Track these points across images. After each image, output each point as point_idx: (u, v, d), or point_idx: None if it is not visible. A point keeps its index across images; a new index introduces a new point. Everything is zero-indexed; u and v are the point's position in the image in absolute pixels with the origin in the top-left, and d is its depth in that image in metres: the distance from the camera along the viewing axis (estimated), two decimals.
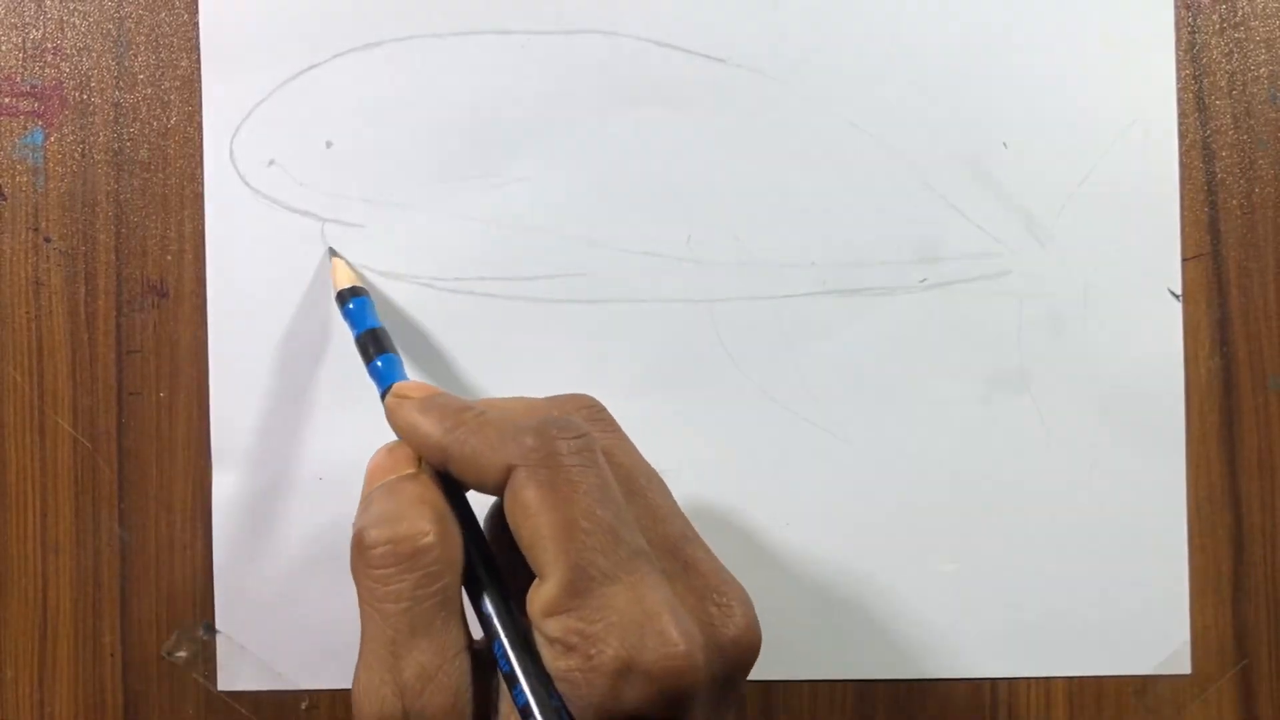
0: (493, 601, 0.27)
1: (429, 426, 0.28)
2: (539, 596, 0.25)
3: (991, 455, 0.36)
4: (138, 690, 0.37)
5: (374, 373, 0.32)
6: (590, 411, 0.29)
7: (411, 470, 0.29)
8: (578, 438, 0.27)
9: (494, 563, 0.28)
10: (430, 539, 0.27)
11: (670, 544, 0.27)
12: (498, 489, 0.27)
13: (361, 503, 0.29)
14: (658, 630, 0.25)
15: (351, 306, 0.34)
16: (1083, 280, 0.36)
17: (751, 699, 0.36)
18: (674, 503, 0.28)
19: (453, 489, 0.28)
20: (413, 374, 0.36)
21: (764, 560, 0.36)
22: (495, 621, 0.27)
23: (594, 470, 0.26)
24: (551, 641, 0.25)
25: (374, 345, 0.33)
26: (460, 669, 0.26)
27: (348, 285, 0.35)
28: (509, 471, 0.26)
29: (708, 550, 0.28)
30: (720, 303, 0.36)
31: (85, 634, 0.37)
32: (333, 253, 0.36)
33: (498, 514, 0.29)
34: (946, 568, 0.36)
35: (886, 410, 0.36)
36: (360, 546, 0.27)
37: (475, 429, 0.27)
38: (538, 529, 0.25)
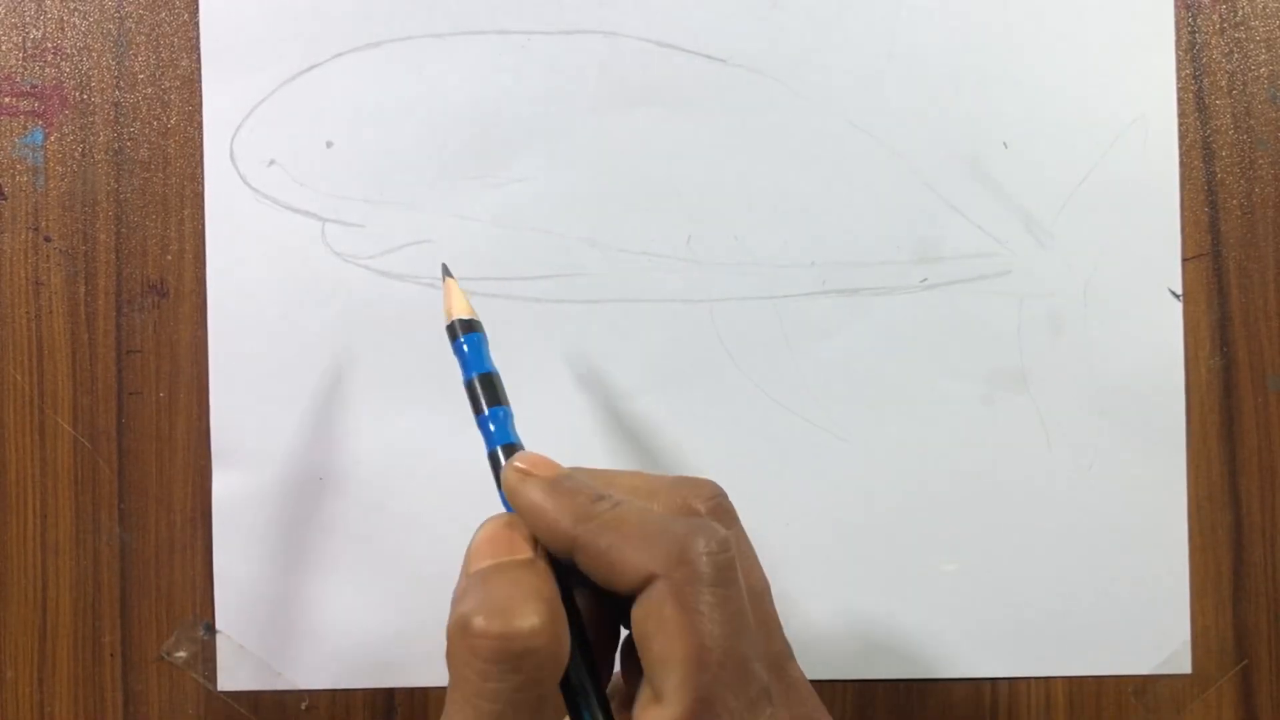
0: (595, 715, 0.25)
1: (558, 513, 0.26)
2: (652, 717, 0.24)
3: (991, 455, 0.36)
4: (137, 690, 0.37)
5: (483, 425, 0.29)
6: (716, 504, 0.27)
7: (528, 555, 0.26)
8: (723, 554, 0.25)
9: (596, 670, 0.26)
10: (542, 641, 0.24)
11: (778, 663, 0.26)
12: (630, 592, 0.25)
13: (466, 579, 0.27)
14: None
15: (465, 344, 0.30)
16: (1083, 280, 0.36)
17: None
18: (777, 615, 0.27)
19: (561, 581, 0.26)
20: (414, 373, 0.36)
21: (764, 560, 0.36)
22: None
23: (735, 594, 0.25)
24: None
25: (487, 394, 0.30)
26: None
27: (463, 316, 0.31)
28: (649, 579, 0.24)
29: (801, 672, 0.27)
30: (720, 303, 0.36)
31: (85, 634, 0.37)
32: (446, 272, 0.32)
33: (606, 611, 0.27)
34: (946, 568, 0.36)
35: (886, 410, 0.36)
36: (465, 634, 0.24)
37: (612, 524, 0.25)
38: (670, 649, 0.24)
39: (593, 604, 0.27)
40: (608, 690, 0.26)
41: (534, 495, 0.27)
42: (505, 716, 0.24)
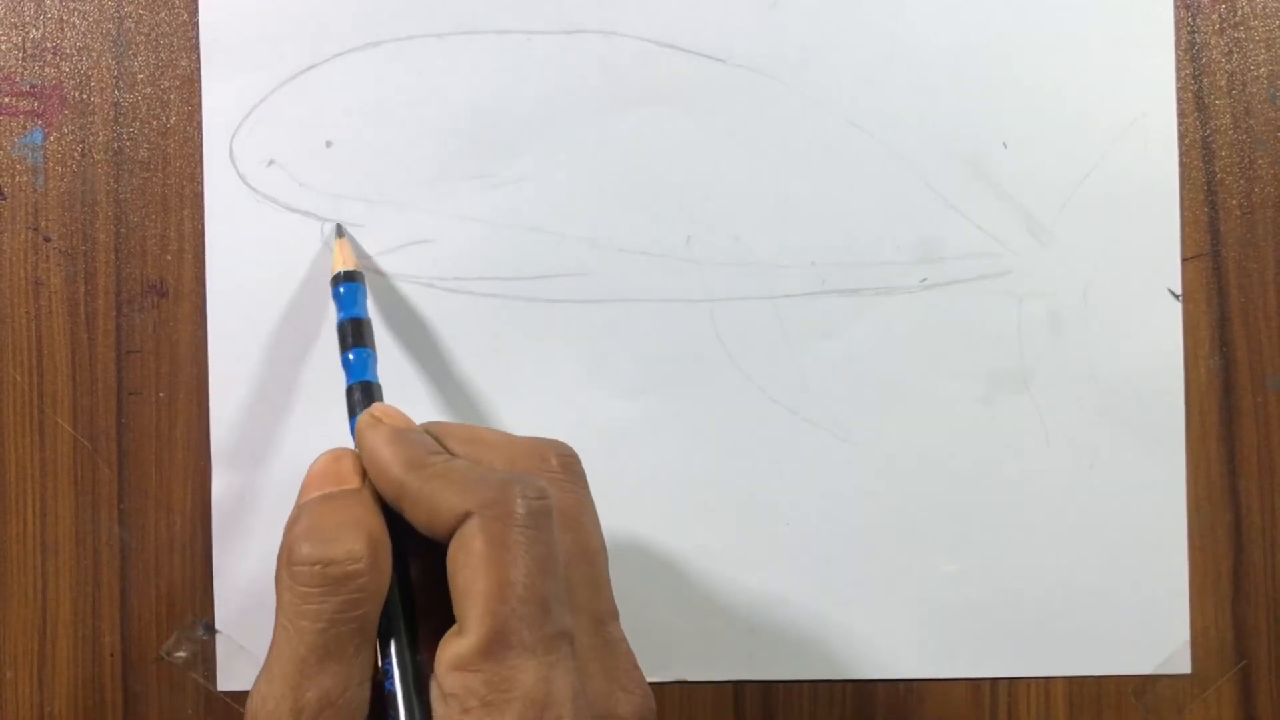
0: (401, 642, 0.27)
1: (393, 460, 0.27)
2: (452, 647, 0.25)
3: (991, 455, 0.36)
4: (137, 690, 0.37)
5: (345, 364, 0.32)
6: (563, 460, 0.29)
7: (355, 485, 0.28)
8: (539, 499, 0.26)
9: (413, 600, 0.27)
10: (361, 565, 0.26)
11: (600, 617, 0.27)
12: (446, 534, 0.26)
13: (297, 508, 0.28)
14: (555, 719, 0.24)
15: (342, 290, 0.34)
16: (1083, 280, 0.36)
17: (751, 699, 0.36)
18: (609, 577, 0.28)
19: (390, 514, 0.28)
20: (414, 373, 0.36)
21: (764, 560, 0.36)
22: (395, 662, 0.26)
23: (545, 538, 0.26)
24: (448, 696, 0.25)
25: (353, 336, 0.32)
26: (361, 699, 0.26)
27: (344, 268, 0.34)
28: (464, 518, 0.26)
29: (623, 634, 0.28)
30: (720, 303, 0.36)
31: (85, 634, 0.36)
32: (340, 231, 0.35)
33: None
34: (946, 568, 0.36)
35: (886, 410, 0.36)
36: (289, 559, 0.26)
37: (440, 474, 0.27)
38: (473, 581, 0.25)
39: (425, 564, 0.28)
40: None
41: (376, 440, 0.28)
42: (326, 636, 0.25)
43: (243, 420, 0.36)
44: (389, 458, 0.28)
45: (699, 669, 0.36)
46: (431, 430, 0.30)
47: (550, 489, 0.27)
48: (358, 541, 0.26)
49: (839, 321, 0.36)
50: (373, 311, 0.36)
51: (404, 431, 0.29)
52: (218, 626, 0.36)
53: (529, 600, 0.25)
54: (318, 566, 0.26)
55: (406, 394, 0.36)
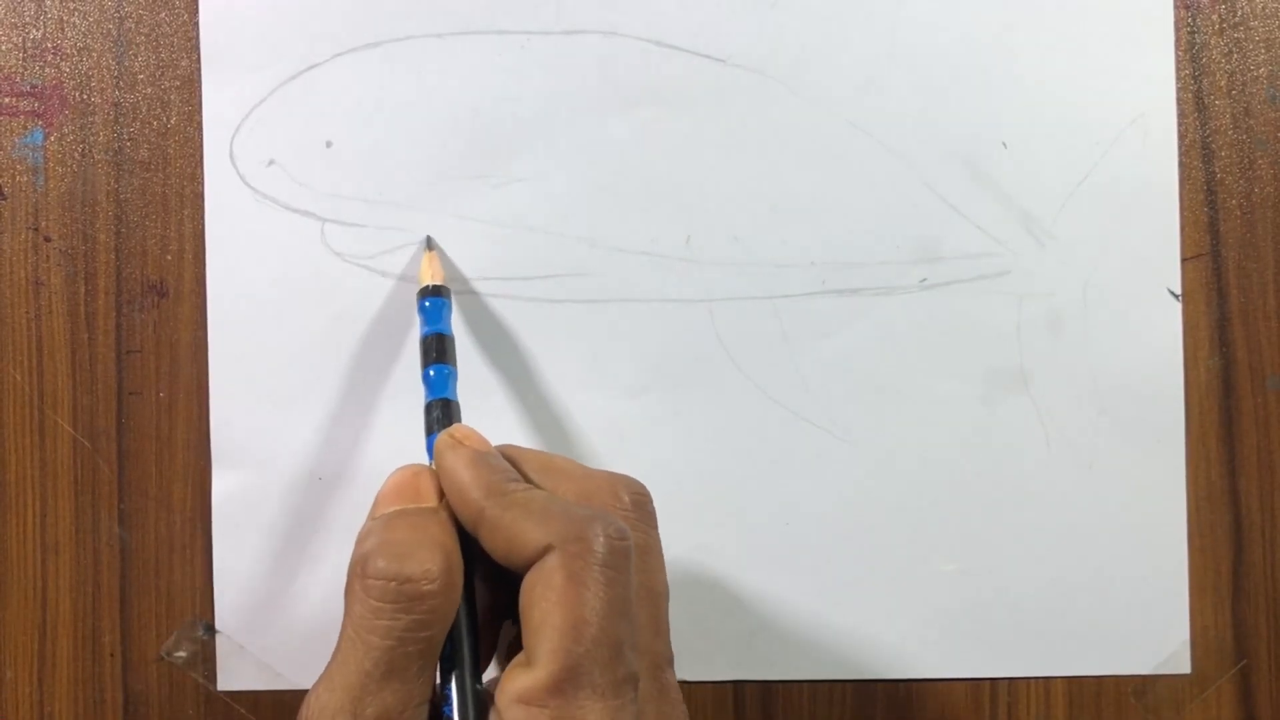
0: (464, 668, 0.26)
1: (473, 484, 0.27)
2: (519, 680, 0.25)
3: (991, 455, 0.36)
4: (137, 690, 0.37)
5: (425, 380, 0.32)
6: (635, 499, 0.29)
7: (433, 504, 0.28)
8: (620, 540, 0.26)
9: (477, 630, 0.27)
10: (436, 586, 0.26)
11: (658, 663, 0.27)
12: (523, 564, 0.26)
13: (371, 520, 0.28)
14: None
15: (427, 305, 0.33)
16: (1083, 280, 0.36)
17: (751, 699, 0.36)
18: (668, 622, 0.28)
19: (464, 543, 0.28)
20: (414, 373, 0.36)
21: (764, 560, 0.36)
22: (455, 688, 0.26)
23: (623, 579, 0.26)
24: None
25: (435, 351, 0.32)
26: None
27: (431, 282, 0.34)
28: (544, 551, 0.25)
29: (674, 675, 0.28)
30: (720, 303, 0.36)
31: (85, 634, 0.37)
32: (430, 244, 0.35)
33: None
34: (946, 568, 0.36)
35: (886, 410, 0.36)
36: (363, 572, 0.26)
37: (520, 502, 0.27)
38: (549, 615, 0.25)
39: (488, 590, 0.28)
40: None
41: (457, 462, 0.28)
42: (393, 654, 0.25)
43: (243, 420, 0.36)
44: (469, 481, 0.27)
45: (699, 669, 0.36)
46: (507, 454, 0.29)
47: (628, 531, 0.27)
48: (434, 561, 0.26)
49: (839, 321, 0.36)
50: (373, 311, 0.36)
51: (484, 455, 0.28)
52: (218, 626, 0.36)
53: (603, 642, 0.25)
54: (393, 583, 0.26)
55: (406, 394, 0.36)
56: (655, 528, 0.29)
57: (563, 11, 0.36)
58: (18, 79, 0.36)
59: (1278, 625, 0.36)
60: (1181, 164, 0.36)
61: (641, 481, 0.29)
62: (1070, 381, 0.36)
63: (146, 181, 0.36)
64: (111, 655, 0.37)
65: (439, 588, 0.26)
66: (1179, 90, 0.36)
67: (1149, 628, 0.36)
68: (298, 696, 0.36)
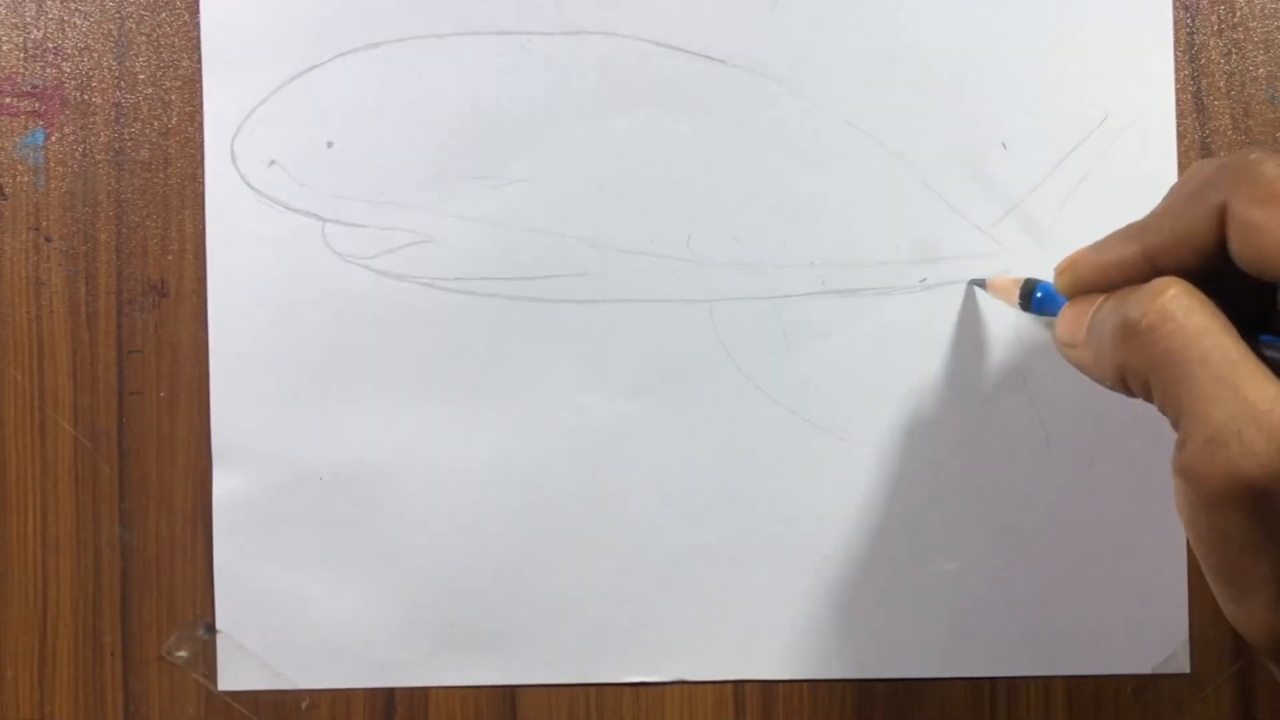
0: None
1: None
2: None
3: (991, 455, 0.36)
4: (138, 690, 0.37)
5: (1037, 302, 0.32)
6: None
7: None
8: None
9: None
10: None
11: None
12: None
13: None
14: None
15: (1039, 295, 0.32)
16: None
17: (751, 699, 0.36)
18: None
19: None
20: (414, 373, 0.36)
21: (763, 559, 0.36)
22: None
23: None
24: None
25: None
26: None
27: (1025, 280, 0.33)
28: None
29: None
30: (720, 303, 0.36)
31: (85, 634, 0.37)
32: (978, 284, 0.36)
33: None
34: (946, 567, 0.36)
35: (886, 410, 0.36)
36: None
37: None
38: None
39: None
40: None
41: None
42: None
43: (243, 420, 0.36)
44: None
45: (699, 669, 0.36)
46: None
47: None
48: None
49: (839, 321, 0.36)
50: (373, 311, 0.36)
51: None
52: (218, 626, 0.36)
53: None
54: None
55: (407, 394, 0.36)
56: None
57: (563, 11, 0.36)
58: (18, 79, 0.36)
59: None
60: (1181, 164, 0.36)
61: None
62: (1070, 381, 0.36)
63: (147, 181, 0.36)
64: (112, 655, 0.37)
65: None
66: (1178, 90, 0.36)
67: (1149, 627, 0.36)
68: (298, 696, 0.36)
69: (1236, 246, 0.25)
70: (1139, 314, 0.25)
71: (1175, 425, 0.25)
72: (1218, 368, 0.24)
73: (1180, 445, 0.25)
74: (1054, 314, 0.31)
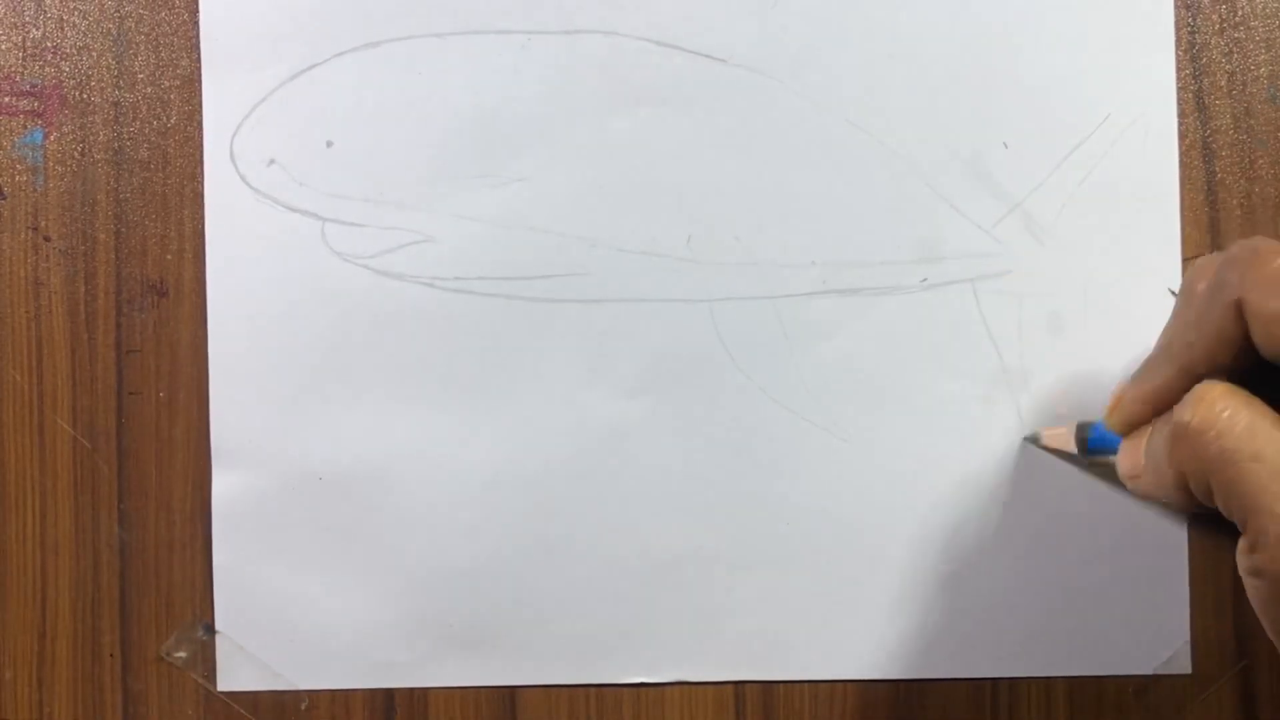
0: None
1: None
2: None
3: (991, 455, 0.36)
4: (137, 691, 0.37)
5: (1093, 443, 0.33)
6: None
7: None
8: None
9: None
10: None
11: None
12: None
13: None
14: None
15: (1094, 437, 0.34)
16: (1083, 280, 0.36)
17: (751, 699, 0.36)
18: None
19: None
20: (414, 373, 0.36)
21: (764, 560, 0.36)
22: None
23: None
24: None
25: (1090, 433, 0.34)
26: None
27: (1078, 425, 0.34)
28: None
29: None
30: (720, 303, 0.36)
31: (84, 634, 0.36)
32: (1031, 441, 0.36)
33: None
34: (946, 568, 0.36)
35: (886, 410, 0.36)
36: None
37: None
38: None
39: None
40: None
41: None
42: None
43: (243, 420, 0.36)
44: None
45: (699, 669, 0.36)
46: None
47: None
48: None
49: (839, 321, 0.36)
50: (373, 311, 0.36)
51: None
52: (218, 626, 0.36)
53: None
54: None
55: (406, 394, 0.36)
56: None
57: (563, 11, 0.36)
58: (18, 78, 0.36)
59: None
60: (1182, 164, 0.36)
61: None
62: (1070, 381, 0.36)
63: (146, 181, 0.36)
64: (111, 656, 0.36)
65: None
66: (1179, 90, 0.36)
67: (1150, 628, 0.36)
68: (297, 696, 0.36)
69: (1260, 340, 0.26)
70: (1187, 418, 0.26)
71: (1242, 526, 0.26)
72: (1274, 462, 0.25)
73: (1252, 545, 0.25)
74: (1112, 453, 0.32)
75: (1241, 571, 0.26)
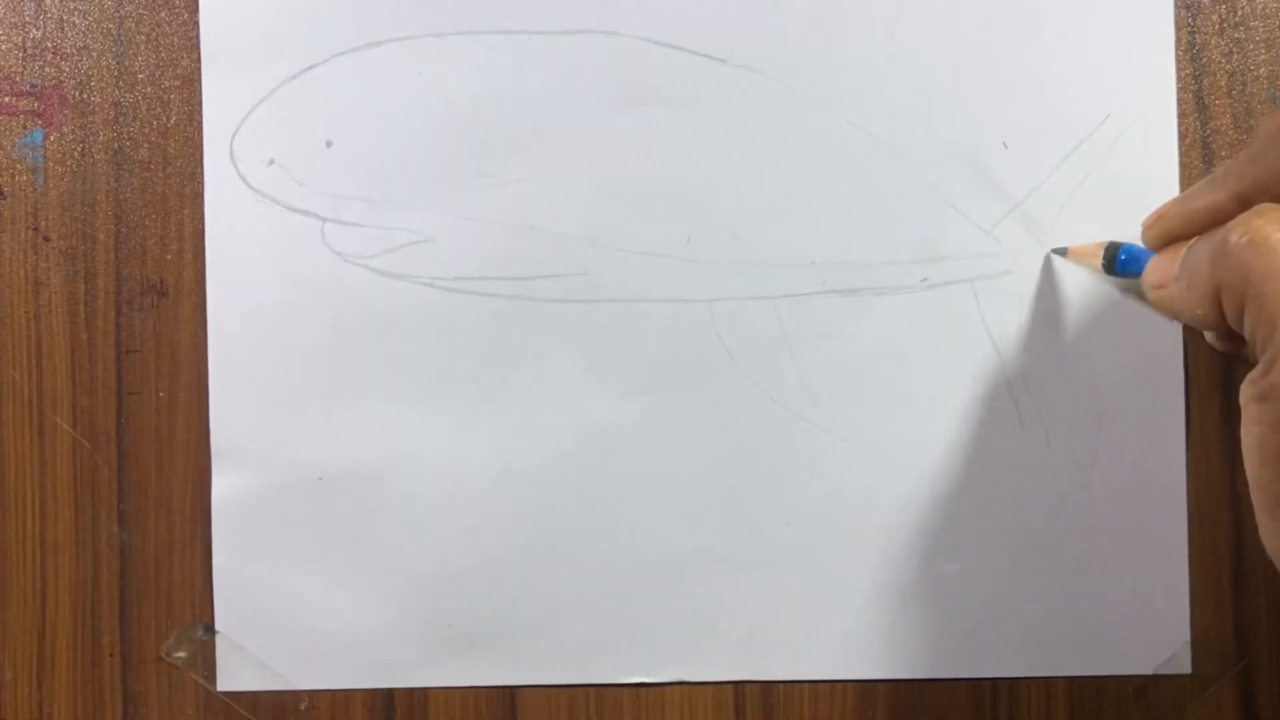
0: None
1: None
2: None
3: (991, 455, 0.36)
4: (137, 691, 0.36)
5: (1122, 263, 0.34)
6: None
7: None
8: None
9: None
10: None
11: None
12: None
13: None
14: None
15: (1124, 256, 0.34)
16: (1083, 280, 0.36)
17: (751, 699, 0.36)
18: None
19: None
20: (414, 373, 0.36)
21: (764, 560, 0.36)
22: None
23: None
24: None
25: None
26: None
27: (1108, 243, 0.34)
28: None
29: None
30: (720, 303, 0.36)
31: (84, 635, 0.36)
32: (1059, 253, 0.36)
33: None
34: (947, 568, 0.36)
35: (886, 410, 0.36)
36: None
37: None
38: None
39: None
40: None
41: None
42: None
43: (243, 420, 0.36)
44: None
45: (699, 669, 0.36)
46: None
47: None
48: None
49: (839, 321, 0.36)
50: (373, 311, 0.36)
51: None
52: (217, 627, 0.36)
53: None
54: None
55: (407, 394, 0.36)
56: None
57: (563, 11, 0.36)
58: (18, 78, 0.36)
59: (1279, 626, 0.36)
60: (1181, 164, 0.36)
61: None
62: (1070, 381, 0.36)
63: (146, 181, 0.36)
64: (111, 656, 0.36)
65: None
66: (1179, 90, 0.36)
67: (1150, 628, 0.36)
68: (297, 696, 0.36)
69: None
70: (1239, 234, 0.26)
71: (1262, 348, 0.26)
72: None
73: (1267, 368, 0.25)
74: (1137, 274, 0.33)
75: (1247, 400, 0.26)
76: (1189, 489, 0.36)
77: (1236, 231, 0.27)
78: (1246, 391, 0.27)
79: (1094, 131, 0.36)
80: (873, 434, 0.36)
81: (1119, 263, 0.34)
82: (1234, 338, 0.29)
